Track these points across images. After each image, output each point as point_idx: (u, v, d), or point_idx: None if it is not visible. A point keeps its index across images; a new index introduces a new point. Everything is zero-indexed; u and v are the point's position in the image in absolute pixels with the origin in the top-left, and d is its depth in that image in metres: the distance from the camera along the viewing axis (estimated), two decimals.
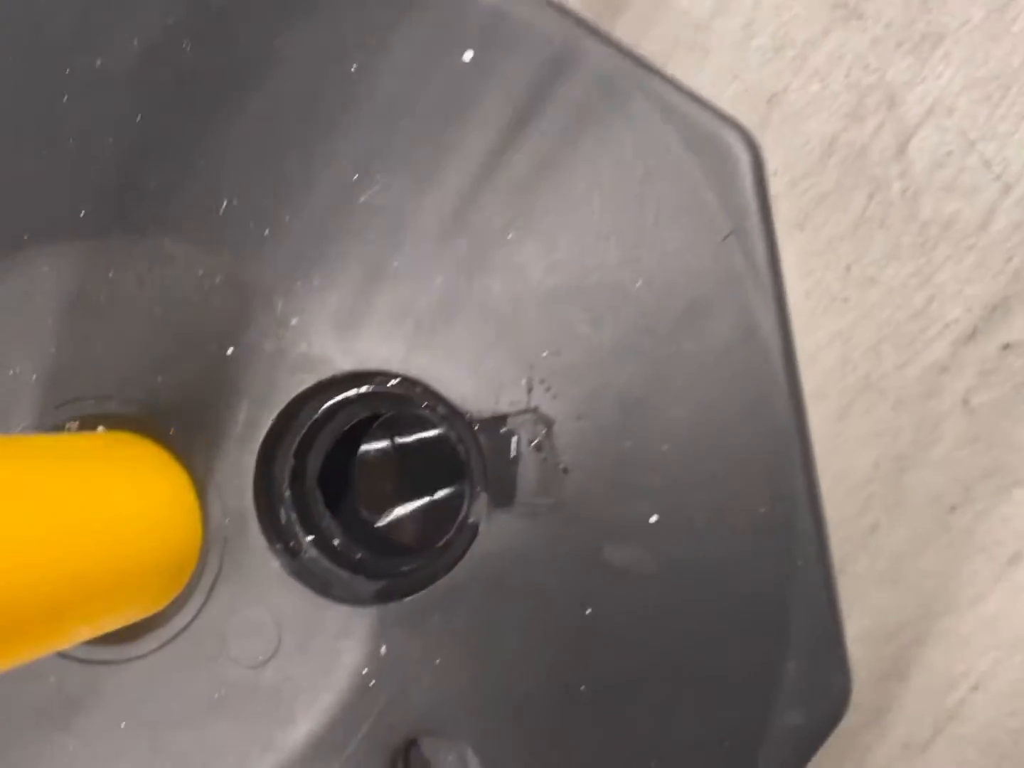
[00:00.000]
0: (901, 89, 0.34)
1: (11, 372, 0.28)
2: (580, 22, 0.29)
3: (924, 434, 0.34)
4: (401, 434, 0.32)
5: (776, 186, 0.34)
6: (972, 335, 0.34)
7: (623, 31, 0.36)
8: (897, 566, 0.35)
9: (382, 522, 0.32)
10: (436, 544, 0.30)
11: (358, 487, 0.32)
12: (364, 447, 0.32)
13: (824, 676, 0.30)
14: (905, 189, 0.34)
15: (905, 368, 0.35)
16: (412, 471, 0.34)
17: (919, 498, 0.35)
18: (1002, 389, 0.34)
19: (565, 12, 0.32)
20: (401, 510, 0.33)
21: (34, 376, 0.28)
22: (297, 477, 0.29)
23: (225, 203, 0.28)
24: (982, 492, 0.35)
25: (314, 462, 0.29)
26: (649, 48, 0.35)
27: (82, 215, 0.29)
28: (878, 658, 0.34)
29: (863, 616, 0.30)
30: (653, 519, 0.29)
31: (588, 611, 0.28)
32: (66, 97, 0.30)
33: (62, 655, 0.28)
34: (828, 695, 0.29)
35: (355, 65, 0.30)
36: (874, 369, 0.35)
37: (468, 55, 0.30)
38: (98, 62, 0.30)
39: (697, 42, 0.35)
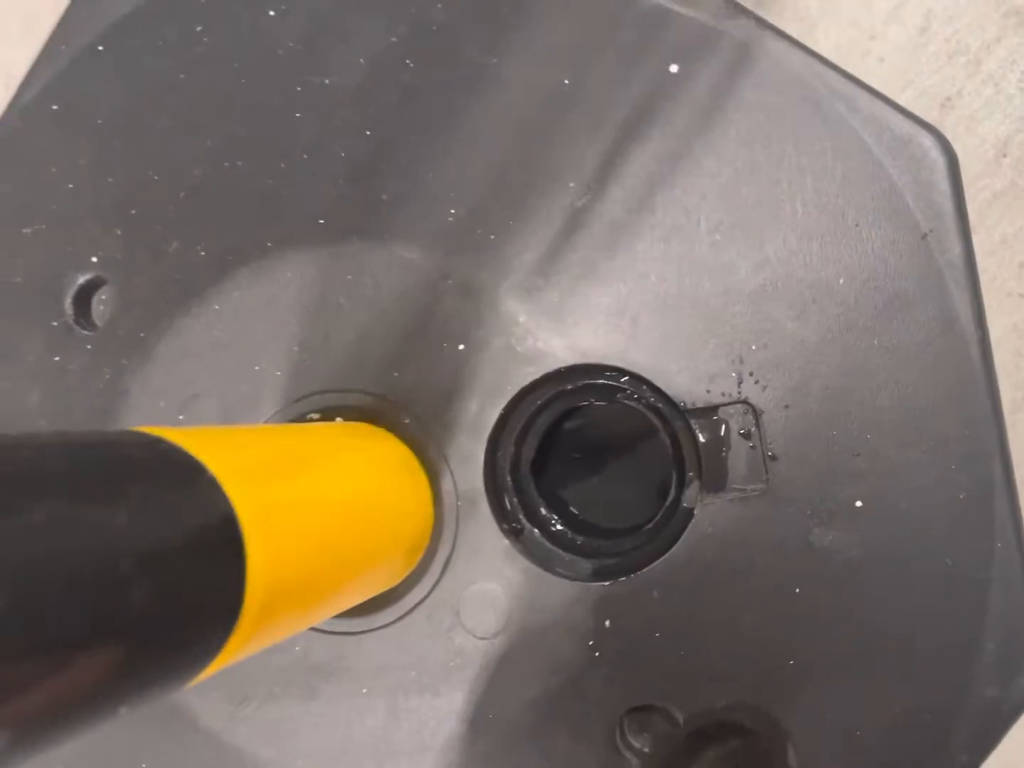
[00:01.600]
0: None
1: (257, 368, 0.32)
2: (781, 34, 0.31)
3: None
4: (606, 425, 0.35)
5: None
6: None
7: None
8: None
9: (587, 507, 0.34)
10: (643, 527, 0.32)
11: (565, 475, 0.35)
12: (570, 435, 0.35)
13: (1020, 654, 0.31)
14: None
15: None
16: (616, 459, 0.37)
17: None
18: None
19: (764, 23, 0.34)
20: (603, 494, 0.36)
21: (278, 372, 0.32)
22: (515, 465, 0.31)
23: (453, 211, 0.32)
24: None
25: (528, 450, 0.32)
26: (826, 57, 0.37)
27: (321, 223, 0.31)
28: None
29: None
30: (858, 504, 0.31)
31: (797, 591, 0.30)
32: (298, 114, 0.33)
33: (309, 628, 0.31)
34: None
35: (567, 79, 0.32)
36: None
37: (674, 67, 0.32)
38: (326, 80, 0.33)
39: (871, 49, 0.36)
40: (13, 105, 0.42)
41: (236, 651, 0.23)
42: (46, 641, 0.16)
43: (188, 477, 0.21)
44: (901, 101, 0.41)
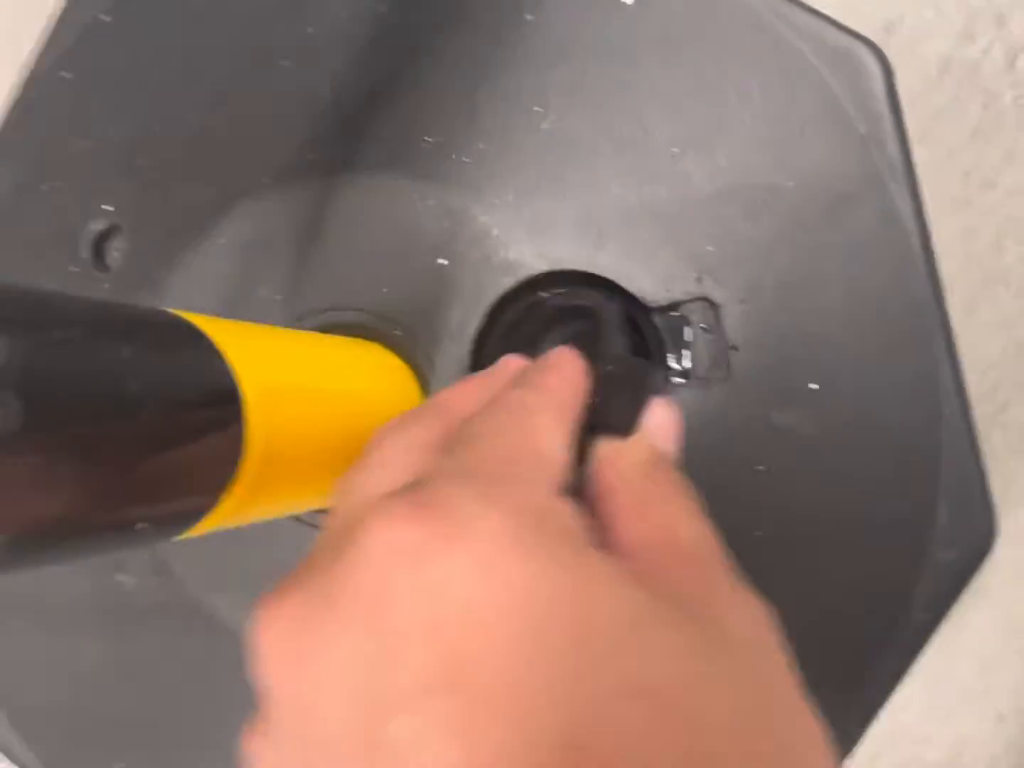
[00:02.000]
0: (1008, 9, 0.38)
1: (260, 293, 0.35)
2: None
3: None
4: (581, 327, 0.37)
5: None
6: None
7: None
8: None
9: None
10: None
11: None
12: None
13: (973, 515, 0.35)
14: (1017, 98, 0.38)
15: None
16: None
17: None
18: None
19: None
20: None
21: (278, 296, 0.35)
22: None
23: (429, 139, 0.35)
24: None
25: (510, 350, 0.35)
26: None
27: (310, 158, 0.35)
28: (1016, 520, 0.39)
29: (997, 485, 0.35)
30: (813, 386, 0.34)
31: (759, 467, 0.33)
32: (286, 61, 0.36)
33: (299, 520, 0.34)
34: (978, 533, 0.34)
35: (529, 15, 0.35)
36: (995, 263, 0.39)
37: (629, 0, 0.35)
38: (309, 29, 0.36)
39: None
40: (29, 78, 0.45)
41: (235, 508, 0.27)
42: (63, 442, 0.19)
43: (191, 340, 0.25)
44: (846, 24, 0.44)
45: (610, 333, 0.37)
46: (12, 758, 0.43)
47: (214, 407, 0.25)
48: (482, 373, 0.28)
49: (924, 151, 0.43)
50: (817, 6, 0.44)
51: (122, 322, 0.22)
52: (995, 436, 0.42)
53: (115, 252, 0.42)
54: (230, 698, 0.38)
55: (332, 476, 0.33)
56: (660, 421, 0.26)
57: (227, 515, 0.27)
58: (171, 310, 0.25)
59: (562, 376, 0.25)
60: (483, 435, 0.22)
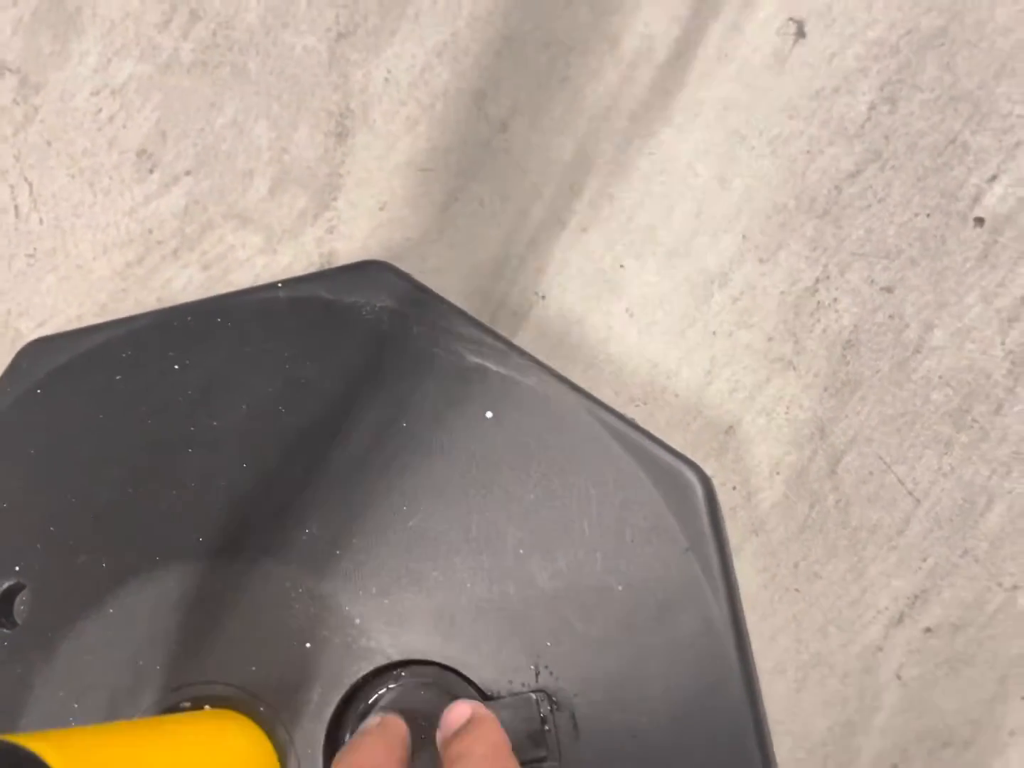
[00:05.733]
0: (829, 423, 0.45)
1: (140, 663, 0.40)
2: (574, 387, 0.40)
3: (867, 703, 0.43)
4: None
5: (735, 499, 0.45)
6: (900, 620, 0.44)
7: (607, 382, 0.48)
8: None
9: None
10: None
11: None
12: None
13: None
14: (838, 501, 0.45)
15: (848, 647, 0.44)
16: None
17: (866, 758, 0.43)
18: (927, 665, 0.43)
19: (562, 379, 0.42)
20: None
21: (157, 666, 0.39)
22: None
23: (307, 531, 0.40)
24: (917, 752, 0.43)
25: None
26: (633, 392, 0.47)
27: (200, 541, 0.40)
28: None
29: None
30: None
31: None
32: (190, 449, 0.42)
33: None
34: None
35: (405, 422, 0.41)
36: (823, 648, 0.44)
37: (489, 413, 0.41)
38: (215, 422, 0.42)
39: (667, 386, 0.46)
40: None
41: None
42: None
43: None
44: (692, 429, 0.51)
45: None
46: None
47: None
48: (375, 732, 0.35)
49: (759, 540, 0.49)
50: (671, 409, 0.51)
51: None
52: None
53: (21, 609, 0.46)
54: None
55: None
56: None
57: None
58: (7, 737, 0.30)
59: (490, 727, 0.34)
60: None
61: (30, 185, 0.61)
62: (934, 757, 0.46)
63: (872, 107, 0.52)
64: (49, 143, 0.61)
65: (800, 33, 0.53)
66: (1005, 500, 0.47)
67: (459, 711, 0.36)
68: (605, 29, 0.55)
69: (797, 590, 0.48)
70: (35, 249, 0.61)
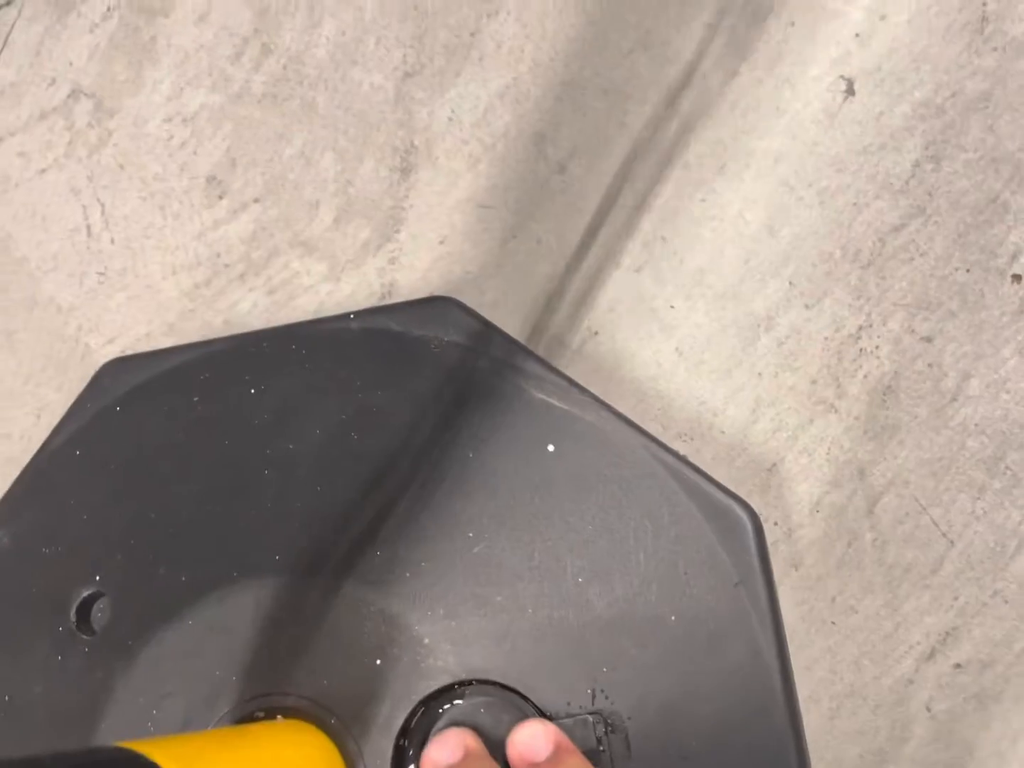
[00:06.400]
0: (868, 465, 0.48)
1: (217, 673, 0.42)
2: (631, 424, 0.43)
3: (897, 733, 0.46)
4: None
5: (776, 534, 0.48)
6: (931, 655, 0.46)
7: (655, 417, 0.51)
8: None
9: None
10: None
11: None
12: None
13: None
14: (875, 539, 0.47)
15: (880, 679, 0.47)
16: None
17: None
18: (956, 700, 0.46)
19: (620, 416, 0.45)
20: None
21: (233, 677, 0.42)
22: (414, 759, 0.41)
23: (378, 553, 0.42)
24: None
25: (417, 749, 0.42)
26: (681, 427, 0.49)
27: (276, 559, 0.43)
28: None
29: None
30: None
31: None
32: (266, 471, 0.44)
33: None
34: None
35: (471, 452, 0.44)
36: (856, 679, 0.47)
37: (551, 447, 0.44)
38: (290, 445, 0.45)
39: (714, 424, 0.49)
40: (43, 449, 0.54)
41: None
42: None
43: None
44: (736, 465, 0.54)
45: None
46: None
47: None
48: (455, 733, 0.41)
49: (798, 575, 0.52)
50: (717, 446, 0.54)
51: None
52: None
53: (99, 616, 0.49)
54: None
55: None
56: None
57: None
58: (125, 744, 0.32)
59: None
60: None
61: (102, 206, 0.64)
62: None
63: (917, 164, 0.54)
64: (122, 166, 0.64)
65: (850, 91, 0.56)
66: None
67: (534, 730, 0.38)
68: (663, 80, 0.58)
69: (833, 623, 0.51)
70: (106, 268, 0.63)
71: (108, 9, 0.64)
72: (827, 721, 0.50)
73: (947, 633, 0.50)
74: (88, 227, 0.64)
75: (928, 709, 0.49)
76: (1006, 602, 0.50)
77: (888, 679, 0.50)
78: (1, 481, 0.59)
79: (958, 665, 0.49)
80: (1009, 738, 0.50)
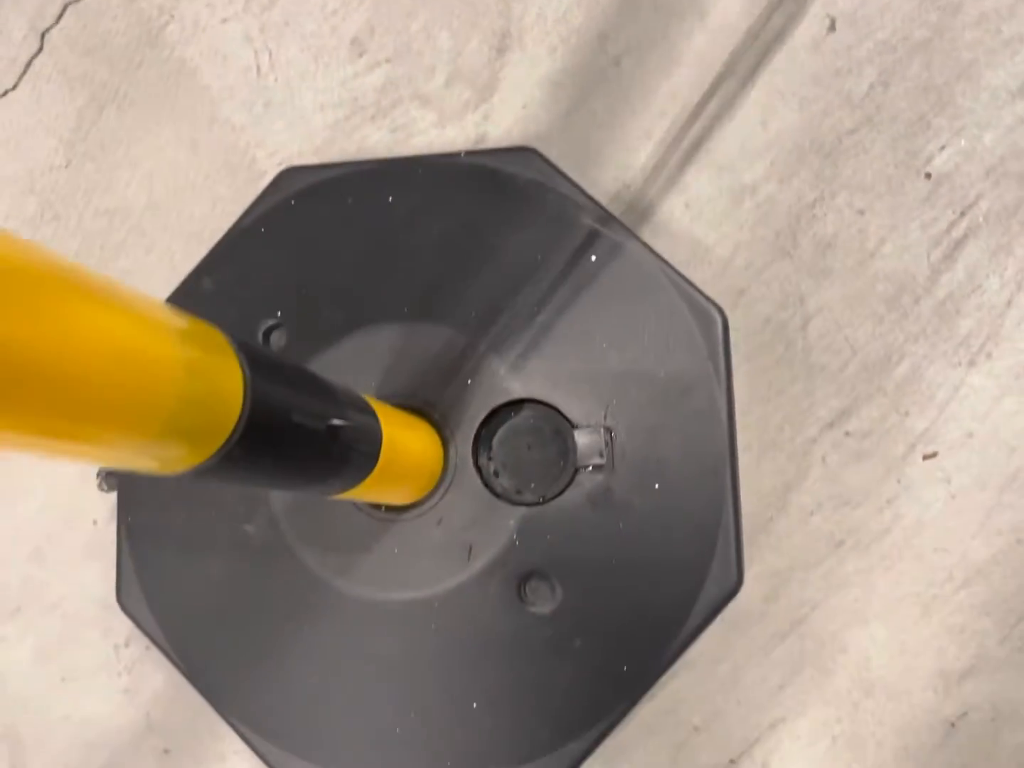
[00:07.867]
0: (807, 295, 0.71)
1: (359, 383, 0.65)
2: (651, 251, 0.66)
3: (802, 470, 0.71)
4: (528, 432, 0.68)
5: (736, 337, 0.72)
6: (831, 425, 0.71)
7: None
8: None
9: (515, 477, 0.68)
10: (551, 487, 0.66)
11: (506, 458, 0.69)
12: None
13: (729, 570, 0.65)
14: (803, 346, 0.71)
15: (794, 439, 0.72)
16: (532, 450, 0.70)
17: (794, 509, 0.71)
18: (843, 455, 0.71)
19: (645, 244, 0.68)
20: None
21: (373, 383, 0.66)
22: (485, 446, 0.66)
23: (473, 313, 0.66)
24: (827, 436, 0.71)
25: (487, 440, 0.66)
26: (680, 257, 0.73)
27: (405, 311, 0.66)
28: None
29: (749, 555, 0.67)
30: (656, 486, 0.65)
31: (620, 525, 0.64)
32: (399, 250, 0.68)
33: (365, 512, 0.64)
34: (731, 581, 0.64)
35: (539, 255, 0.67)
36: (778, 436, 0.72)
37: (593, 257, 0.67)
38: (416, 238, 0.68)
39: (705, 258, 0.72)
40: (235, 226, 0.77)
41: (370, 484, 0.58)
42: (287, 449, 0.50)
43: (370, 412, 0.56)
44: (717, 289, 0.77)
45: (550, 437, 0.69)
46: (158, 646, 0.72)
47: (372, 436, 0.56)
48: None
49: (748, 366, 0.76)
50: (702, 276, 0.77)
51: (356, 397, 0.54)
52: (760, 538, 0.74)
53: (278, 341, 0.73)
54: (286, 616, 0.68)
55: (410, 479, 0.64)
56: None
57: (367, 487, 0.57)
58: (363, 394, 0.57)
59: None
60: None
61: (270, 52, 0.86)
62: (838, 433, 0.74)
63: (871, 86, 0.77)
64: (287, 23, 0.86)
65: (832, 27, 0.77)
66: (909, 359, 0.74)
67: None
68: (696, 5, 0.80)
69: (768, 399, 0.75)
70: (270, 100, 0.85)
71: None
72: (754, 461, 0.75)
73: (843, 411, 0.74)
74: (258, 67, 0.86)
75: (823, 460, 0.74)
76: (885, 395, 0.74)
77: (799, 438, 0.74)
78: (189, 251, 0.82)
79: (847, 433, 0.74)
80: (876, 483, 0.75)
